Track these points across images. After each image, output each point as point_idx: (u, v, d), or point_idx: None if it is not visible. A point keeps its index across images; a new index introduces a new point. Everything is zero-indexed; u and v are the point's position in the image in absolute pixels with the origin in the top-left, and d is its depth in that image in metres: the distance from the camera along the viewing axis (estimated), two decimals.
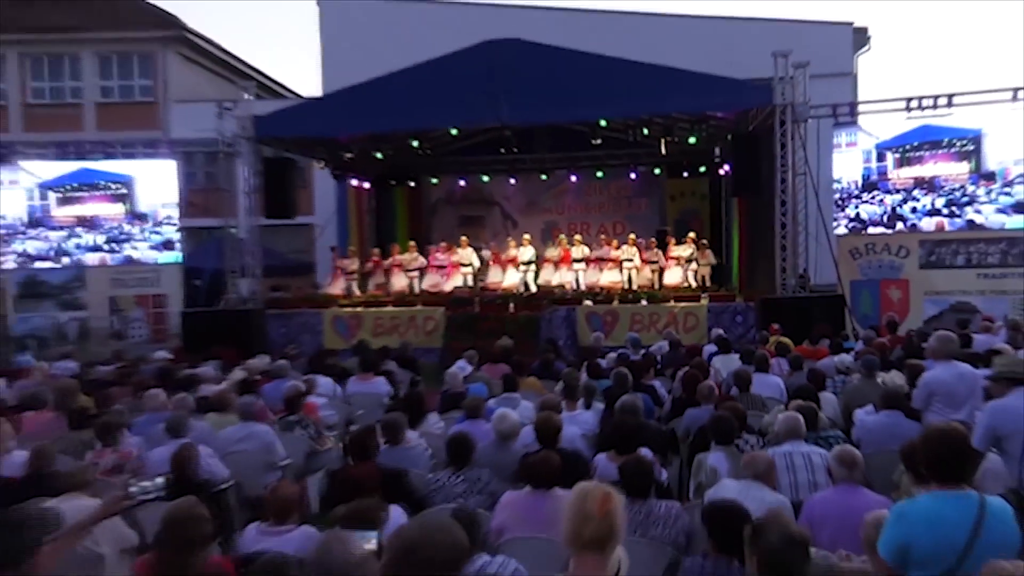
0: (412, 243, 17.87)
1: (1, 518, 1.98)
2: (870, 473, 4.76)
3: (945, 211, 13.24)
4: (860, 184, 13.79)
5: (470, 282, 17.18)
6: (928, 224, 13.40)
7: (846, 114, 14.69)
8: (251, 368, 9.68)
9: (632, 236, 17.39)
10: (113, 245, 16.08)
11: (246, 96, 16.18)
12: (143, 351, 13.50)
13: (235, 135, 15.93)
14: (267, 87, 29.02)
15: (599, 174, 19.74)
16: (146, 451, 6.15)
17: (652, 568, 3.88)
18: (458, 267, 17.23)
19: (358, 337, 14.55)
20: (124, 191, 16.22)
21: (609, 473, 4.90)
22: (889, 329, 11.23)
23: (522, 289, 16.58)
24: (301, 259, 23.14)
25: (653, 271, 17.13)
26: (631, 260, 16.83)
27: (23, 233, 15.92)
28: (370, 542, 2.62)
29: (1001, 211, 13.00)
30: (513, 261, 17.13)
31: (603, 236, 18.26)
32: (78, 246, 16.02)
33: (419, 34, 21.66)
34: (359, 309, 16.00)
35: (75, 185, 16.10)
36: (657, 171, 19.78)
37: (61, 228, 16.06)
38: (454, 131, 17.33)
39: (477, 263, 17.45)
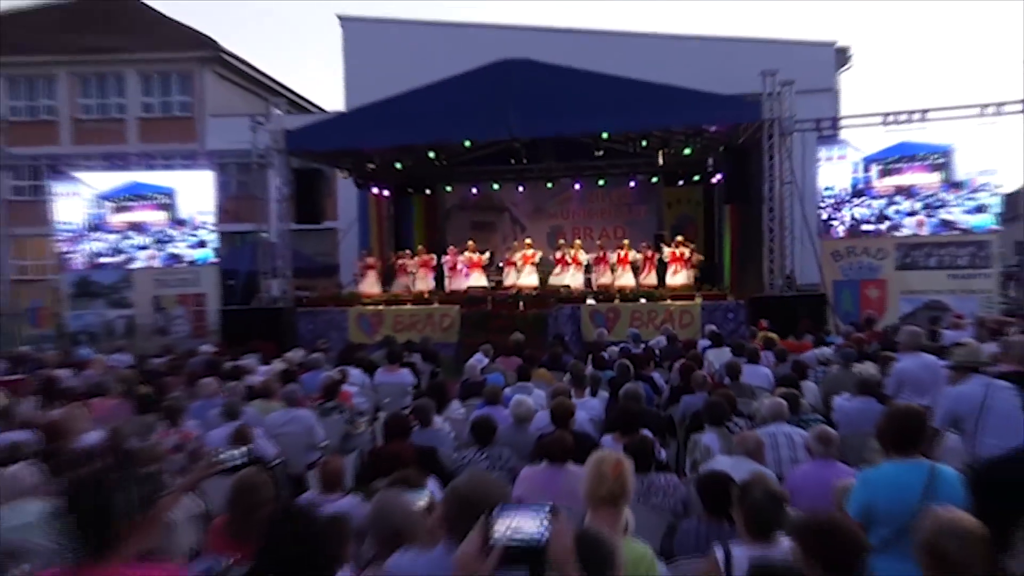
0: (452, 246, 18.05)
1: (130, 473, 2.26)
2: (846, 451, 4.99)
3: (922, 213, 13.67)
4: (850, 191, 14.16)
5: (484, 281, 17.30)
6: (910, 222, 13.80)
7: (829, 128, 14.83)
8: (289, 360, 9.93)
9: (626, 242, 17.39)
10: (158, 246, 16.53)
11: (275, 111, 16.49)
12: (187, 345, 13.80)
13: (267, 147, 16.18)
14: (294, 102, 29.32)
15: (601, 182, 19.75)
16: (203, 433, 6.48)
17: (654, 531, 4.09)
18: (479, 266, 17.42)
19: (380, 333, 14.73)
20: (167, 201, 16.57)
21: (615, 451, 5.17)
22: (867, 325, 11.40)
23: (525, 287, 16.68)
24: (326, 261, 23.40)
25: (646, 271, 17.10)
26: (632, 261, 16.75)
27: (86, 236, 16.46)
28: (421, 500, 2.92)
29: (967, 212, 13.51)
30: (528, 259, 17.27)
31: (599, 242, 18.39)
32: (130, 246, 16.52)
33: (435, 53, 21.81)
34: (381, 307, 16.10)
35: (126, 196, 16.53)
36: (655, 180, 19.77)
37: (116, 232, 16.53)
38: (467, 143, 17.58)
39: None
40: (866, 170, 14.13)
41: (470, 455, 5.39)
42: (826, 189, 14.35)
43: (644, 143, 17.72)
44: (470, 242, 18.02)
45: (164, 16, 28.20)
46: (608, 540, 2.14)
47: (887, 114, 14.08)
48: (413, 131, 15.41)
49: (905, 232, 13.94)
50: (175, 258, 16.48)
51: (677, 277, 16.38)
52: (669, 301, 15.04)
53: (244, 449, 3.50)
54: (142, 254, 16.49)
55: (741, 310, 14.32)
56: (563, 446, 4.67)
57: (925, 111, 13.83)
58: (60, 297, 16.75)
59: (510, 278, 17.33)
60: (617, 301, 15.29)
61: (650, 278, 16.67)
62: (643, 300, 15.22)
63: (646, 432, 5.41)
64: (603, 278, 16.89)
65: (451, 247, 18.17)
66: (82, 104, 26.57)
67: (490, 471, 5.19)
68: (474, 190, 20.98)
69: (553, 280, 17.06)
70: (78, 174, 16.73)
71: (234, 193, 23.43)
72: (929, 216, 13.73)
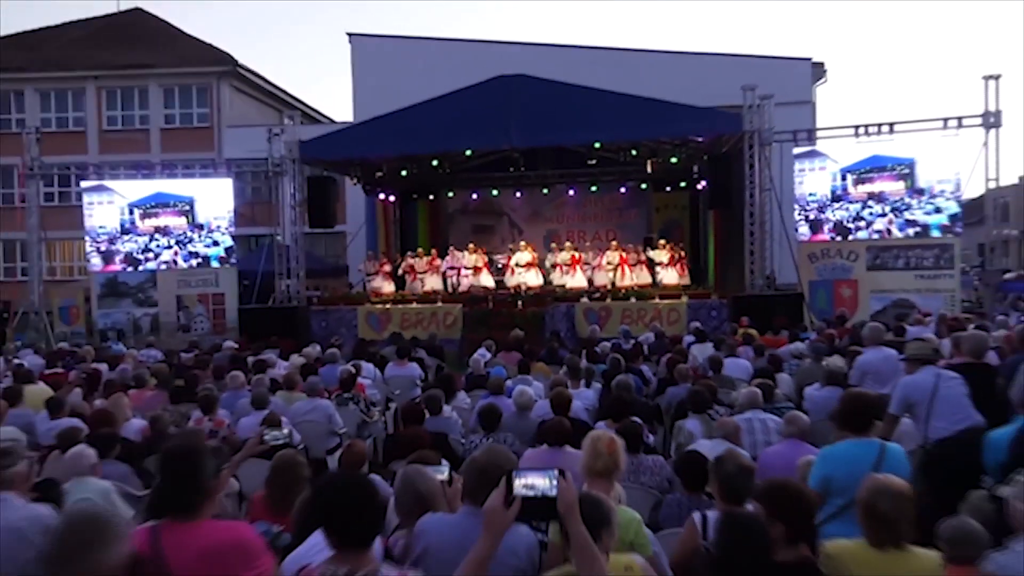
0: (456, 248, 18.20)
1: (207, 448, 2.53)
2: (815, 435, 5.26)
3: (890, 214, 14.31)
4: (829, 197, 14.60)
5: (490, 282, 17.41)
6: (881, 222, 14.36)
7: (805, 139, 15.13)
8: (307, 355, 10.17)
9: (614, 243, 17.55)
10: (179, 246, 16.89)
11: (287, 121, 16.67)
12: (208, 341, 14.03)
13: (283, 156, 16.41)
14: (307, 114, 29.59)
15: (594, 188, 19.92)
16: (233, 421, 6.75)
17: (642, 506, 4.34)
18: (485, 267, 17.57)
19: (388, 330, 14.88)
20: (187, 208, 16.85)
21: (609, 432, 5.44)
22: (839, 322, 11.63)
23: (524, 286, 16.81)
24: (336, 263, 23.66)
25: (635, 270, 17.26)
26: (613, 263, 16.90)
27: (119, 238, 16.86)
28: (441, 474, 3.18)
29: (926, 214, 14.14)
30: (532, 264, 17.36)
31: (587, 244, 18.59)
32: (157, 246, 16.90)
33: (437, 67, 22.03)
34: (388, 306, 16.26)
35: (152, 204, 16.87)
36: (644, 186, 19.95)
37: (144, 235, 16.89)
38: (469, 152, 17.80)
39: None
40: (843, 179, 14.65)
41: (477, 440, 5.65)
42: (810, 195, 14.84)
43: (634, 152, 17.92)
44: (471, 245, 18.19)
45: (185, 33, 28.51)
46: (606, 501, 2.44)
47: (858, 126, 14.41)
48: (419, 141, 15.66)
49: (877, 226, 14.45)
50: (193, 255, 16.85)
51: (669, 276, 16.56)
52: (657, 300, 15.24)
53: (286, 431, 3.77)
54: (166, 253, 16.89)
55: (724, 308, 14.53)
56: (561, 431, 4.88)
57: (893, 124, 14.17)
58: (90, 296, 16.99)
59: (513, 279, 17.34)
60: (609, 300, 15.46)
61: (643, 277, 16.82)
62: (633, 299, 15.42)
63: (636, 419, 5.69)
64: (599, 278, 17.01)
65: (452, 248, 18.37)
66: (108, 116, 26.85)
67: None
68: (475, 196, 21.15)
69: (557, 280, 17.21)
70: (111, 184, 17.02)
71: (249, 199, 23.70)
72: (896, 217, 14.33)
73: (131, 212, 16.78)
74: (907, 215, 14.23)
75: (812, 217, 14.86)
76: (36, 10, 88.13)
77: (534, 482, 1.95)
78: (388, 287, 17.59)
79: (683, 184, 19.35)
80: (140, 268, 16.83)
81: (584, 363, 8.40)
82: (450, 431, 6.19)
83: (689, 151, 17.30)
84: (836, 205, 14.62)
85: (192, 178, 17.24)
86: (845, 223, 14.65)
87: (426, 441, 5.24)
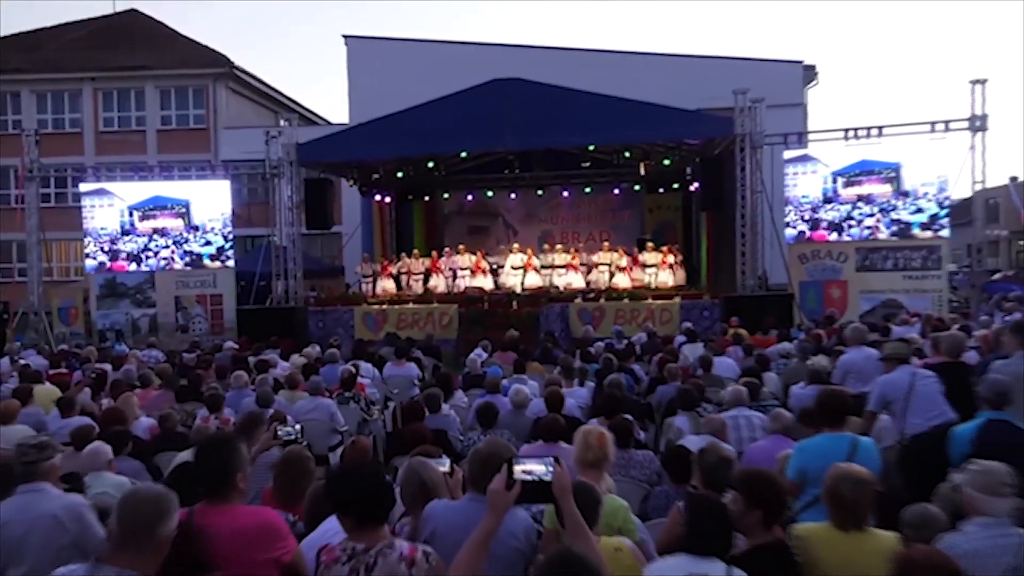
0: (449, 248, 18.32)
1: (237, 440, 2.78)
2: (799, 432, 5.54)
3: (878, 215, 14.74)
4: (821, 199, 14.92)
5: (486, 283, 17.45)
6: (870, 222, 14.76)
7: (795, 142, 15.33)
8: (308, 355, 10.38)
9: (606, 244, 17.63)
10: (176, 247, 17.08)
11: (283, 122, 16.77)
12: (207, 342, 14.19)
13: (280, 158, 16.53)
14: (303, 115, 29.72)
15: (588, 190, 20.02)
16: (238, 419, 6.95)
17: (632, 498, 4.56)
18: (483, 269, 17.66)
19: (384, 330, 14.99)
20: (184, 210, 17.01)
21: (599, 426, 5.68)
22: (827, 322, 11.84)
23: (517, 287, 16.88)
24: (333, 264, 23.80)
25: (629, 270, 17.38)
26: (607, 264, 16.94)
27: (120, 239, 17.06)
28: (444, 466, 3.40)
29: (911, 214, 14.57)
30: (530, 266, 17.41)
31: (580, 245, 18.77)
32: (156, 247, 17.08)
33: (433, 70, 22.20)
34: (384, 306, 16.32)
35: (150, 207, 17.05)
36: (637, 188, 20.04)
37: (142, 236, 17.07)
38: (464, 154, 17.99)
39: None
40: (833, 182, 14.96)
41: (475, 437, 5.88)
42: (803, 197, 15.16)
43: (627, 154, 18.09)
44: (461, 246, 18.19)
45: (181, 35, 28.65)
46: (596, 489, 2.69)
47: (847, 129, 14.69)
48: (414, 144, 15.86)
49: (866, 224, 14.81)
50: (189, 254, 17.03)
51: (663, 277, 16.67)
52: (650, 300, 15.38)
53: (297, 427, 4.00)
54: (164, 252, 17.07)
55: (716, 308, 14.70)
56: (556, 428, 5.11)
57: (882, 127, 14.46)
58: (89, 297, 17.13)
59: (510, 279, 17.37)
60: (603, 300, 15.60)
61: (637, 277, 16.88)
62: (627, 300, 15.58)
63: (627, 416, 5.92)
64: (592, 277, 17.16)
65: (447, 249, 18.53)
66: (104, 117, 26.97)
67: None
68: (470, 197, 21.27)
69: (556, 280, 17.34)
70: (110, 186, 17.16)
71: (246, 200, 23.84)
72: (883, 217, 14.73)
73: (131, 215, 16.97)
74: (892, 215, 14.66)
75: (807, 218, 15.20)
76: (33, 11, 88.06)
77: (532, 468, 2.21)
78: (392, 288, 17.71)
79: (676, 186, 19.49)
80: (141, 266, 17.00)
81: (578, 363, 8.64)
82: (449, 428, 6.43)
83: (682, 153, 17.54)
84: (828, 206, 14.99)
85: (189, 180, 17.37)
86: (837, 223, 15.06)
87: (427, 438, 5.49)
